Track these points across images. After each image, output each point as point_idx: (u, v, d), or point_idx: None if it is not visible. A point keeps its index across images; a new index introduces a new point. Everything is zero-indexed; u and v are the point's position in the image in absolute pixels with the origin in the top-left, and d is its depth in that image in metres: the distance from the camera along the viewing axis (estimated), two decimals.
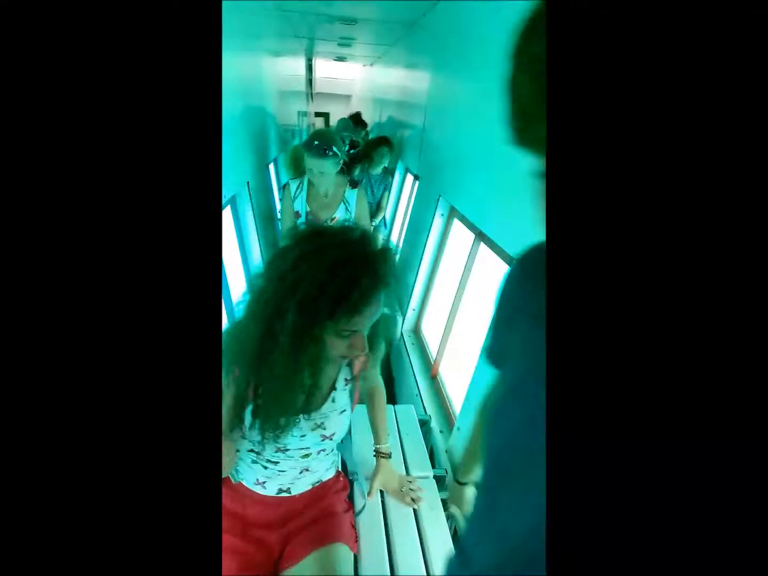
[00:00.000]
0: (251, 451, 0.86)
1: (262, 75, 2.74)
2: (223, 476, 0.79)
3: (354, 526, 1.00)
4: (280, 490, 0.91)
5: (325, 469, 0.97)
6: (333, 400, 0.87)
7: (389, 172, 3.25)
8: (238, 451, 0.88)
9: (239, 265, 2.34)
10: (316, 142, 1.84)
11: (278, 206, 2.83)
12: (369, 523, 1.11)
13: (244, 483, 0.91)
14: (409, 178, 3.49)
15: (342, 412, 0.88)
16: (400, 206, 3.72)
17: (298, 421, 0.83)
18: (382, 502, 1.18)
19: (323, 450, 0.92)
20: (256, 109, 2.53)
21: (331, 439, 0.89)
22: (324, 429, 0.86)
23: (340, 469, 1.06)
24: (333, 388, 0.87)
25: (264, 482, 0.90)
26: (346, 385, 0.89)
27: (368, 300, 0.68)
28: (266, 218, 2.56)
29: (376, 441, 1.15)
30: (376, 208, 3.17)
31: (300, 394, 0.76)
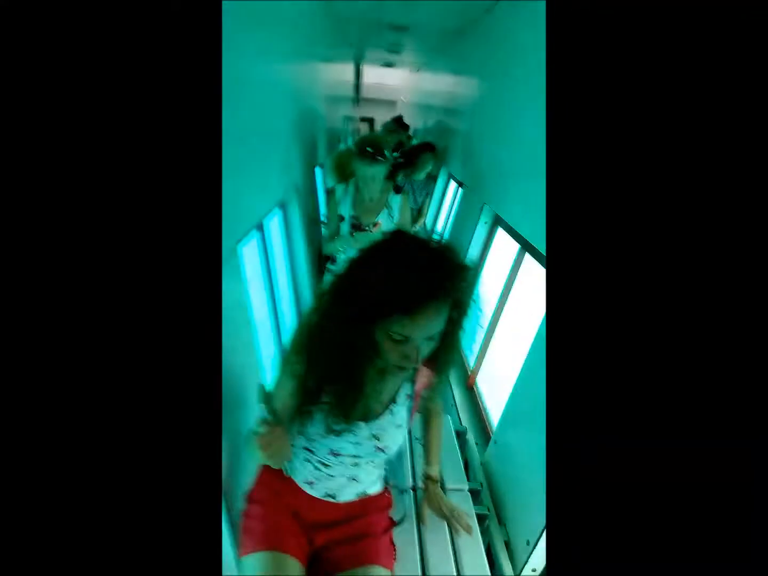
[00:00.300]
0: (305, 449, 0.88)
1: (313, 80, 2.81)
2: (276, 466, 0.80)
3: (393, 543, 1.01)
4: (327, 494, 0.92)
5: (371, 482, 0.97)
6: (392, 413, 0.87)
7: (432, 178, 3.24)
8: (295, 442, 0.89)
9: (285, 269, 2.40)
10: (368, 148, 1.87)
11: (323, 210, 2.88)
12: (404, 539, 1.11)
13: (294, 479, 0.93)
14: (452, 184, 3.47)
15: (399, 426, 0.88)
16: (442, 213, 3.71)
17: (352, 425, 0.83)
18: (417, 518, 1.17)
19: (373, 461, 0.92)
20: (306, 113, 2.59)
21: (384, 452, 0.89)
22: (379, 440, 0.87)
23: (386, 484, 1.05)
24: (393, 401, 0.87)
25: (313, 483, 0.91)
26: (407, 400, 0.89)
27: (421, 306, 0.67)
28: (312, 221, 2.61)
29: (427, 465, 1.13)
30: (417, 214, 3.17)
31: (352, 393, 0.77)
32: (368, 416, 0.85)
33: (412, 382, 0.89)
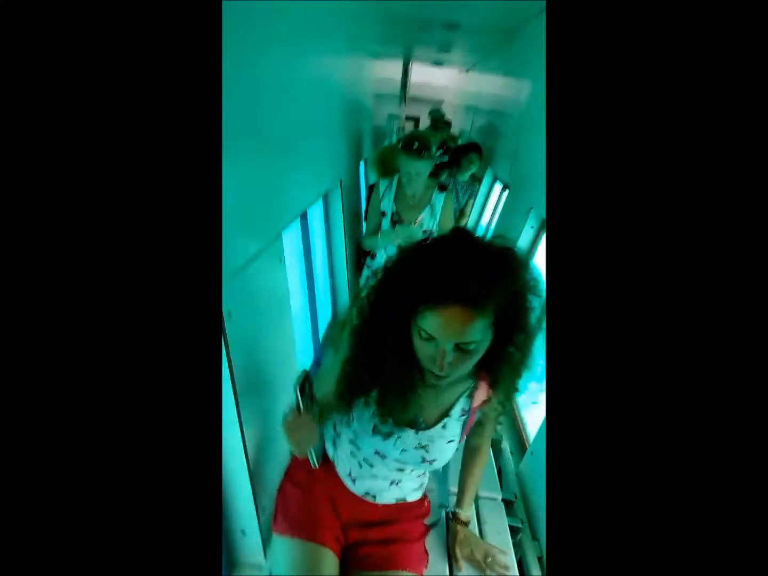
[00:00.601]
0: (352, 442, 0.86)
1: (361, 76, 2.81)
2: (299, 454, 0.79)
3: (426, 551, 0.97)
4: (367, 493, 0.90)
5: (412, 489, 0.94)
6: (444, 427, 0.83)
7: (476, 180, 3.18)
8: (343, 433, 0.88)
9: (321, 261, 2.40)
10: (416, 144, 1.84)
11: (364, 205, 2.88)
12: (433, 547, 1.06)
13: (337, 470, 0.91)
14: (497, 186, 3.39)
15: (450, 441, 0.84)
16: (485, 215, 3.63)
17: (400, 431, 0.81)
18: (447, 525, 1.12)
19: (418, 470, 0.89)
20: (355, 108, 2.59)
21: (431, 464, 0.84)
22: (427, 452, 0.83)
23: (426, 493, 1.00)
24: (446, 414, 0.83)
25: (355, 479, 0.89)
26: (462, 416, 0.84)
27: (446, 303, 0.62)
28: (354, 216, 2.61)
29: (459, 505, 1.06)
30: (459, 215, 3.12)
31: (393, 392, 0.75)
32: (417, 425, 0.82)
33: (470, 398, 0.83)
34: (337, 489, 0.91)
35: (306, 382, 0.76)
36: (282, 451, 1.10)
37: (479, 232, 3.65)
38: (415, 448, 0.82)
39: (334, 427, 0.90)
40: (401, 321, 0.68)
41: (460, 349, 0.66)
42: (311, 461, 0.87)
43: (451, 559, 1.06)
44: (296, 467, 0.96)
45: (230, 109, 0.64)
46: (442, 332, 0.64)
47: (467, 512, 1.06)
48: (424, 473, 0.94)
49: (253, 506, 0.99)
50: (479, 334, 0.64)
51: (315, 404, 0.78)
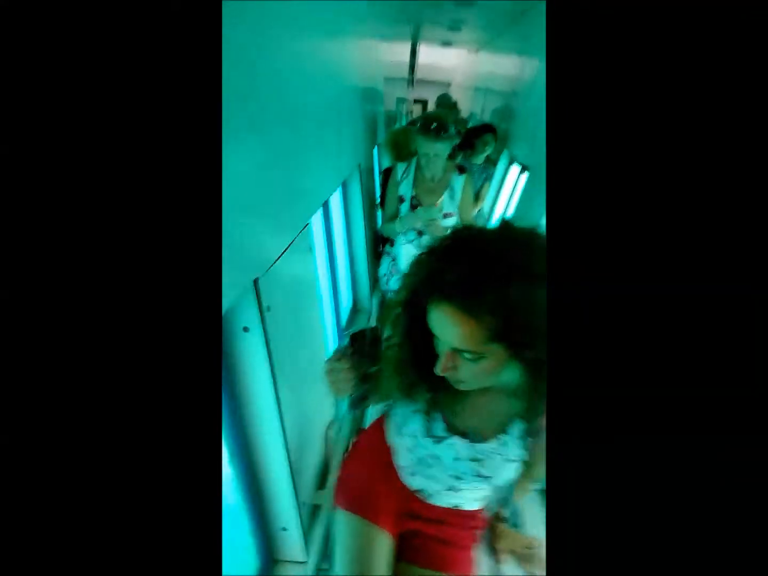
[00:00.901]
0: (411, 437, 0.83)
1: (371, 59, 2.73)
2: (336, 395, 0.77)
3: (473, 559, 0.94)
4: (421, 490, 0.87)
5: (471, 499, 0.89)
6: (500, 443, 0.75)
7: (491, 162, 3.10)
8: (405, 426, 0.84)
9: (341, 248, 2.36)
10: (433, 125, 1.78)
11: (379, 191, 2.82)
12: None
13: (396, 459, 0.88)
14: (513, 169, 3.31)
15: (509, 460, 0.76)
16: (501, 198, 3.56)
17: (450, 437, 0.77)
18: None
19: (477, 484, 0.83)
20: (367, 92, 2.52)
21: (487, 480, 0.78)
22: (482, 467, 0.77)
23: (485, 507, 0.95)
24: (502, 430, 0.75)
25: (412, 473, 0.86)
26: (523, 437, 0.75)
27: (439, 297, 0.57)
28: (372, 202, 2.56)
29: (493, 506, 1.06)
30: (474, 198, 3.05)
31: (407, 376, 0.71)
32: (470, 435, 0.76)
33: (531, 422, 0.73)
34: (395, 477, 0.89)
35: (360, 335, 0.74)
36: (321, 447, 1.08)
37: (493, 216, 3.54)
38: (469, 459, 0.77)
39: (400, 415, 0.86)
40: (420, 308, 0.63)
41: (467, 358, 0.60)
42: (341, 409, 0.84)
43: (492, 554, 1.06)
44: (366, 437, 0.95)
45: (229, 96, 0.59)
46: (437, 330, 0.60)
47: (507, 511, 1.08)
48: (485, 488, 0.87)
49: (294, 503, 0.97)
50: (474, 343, 0.57)
51: (363, 360, 0.75)
